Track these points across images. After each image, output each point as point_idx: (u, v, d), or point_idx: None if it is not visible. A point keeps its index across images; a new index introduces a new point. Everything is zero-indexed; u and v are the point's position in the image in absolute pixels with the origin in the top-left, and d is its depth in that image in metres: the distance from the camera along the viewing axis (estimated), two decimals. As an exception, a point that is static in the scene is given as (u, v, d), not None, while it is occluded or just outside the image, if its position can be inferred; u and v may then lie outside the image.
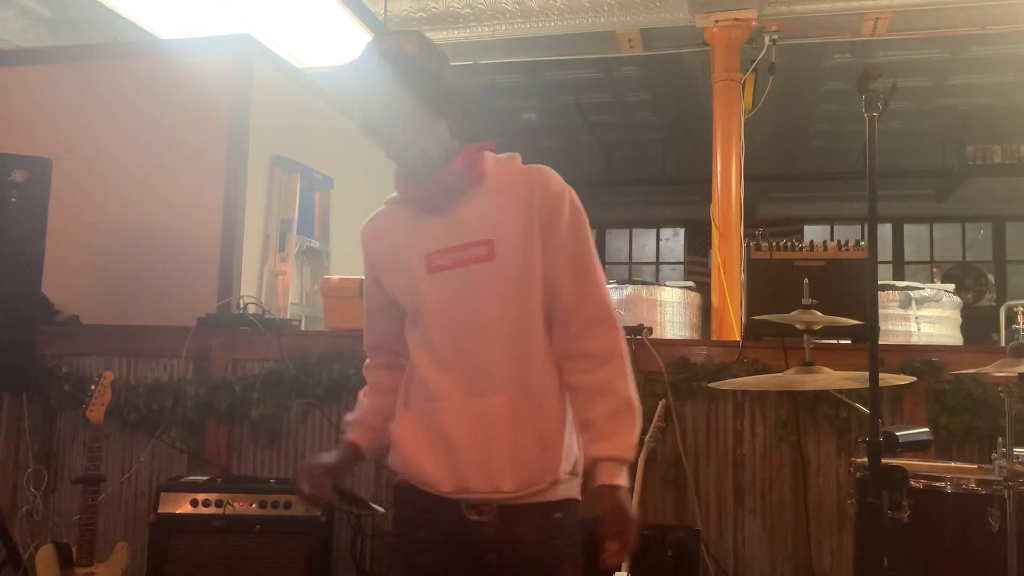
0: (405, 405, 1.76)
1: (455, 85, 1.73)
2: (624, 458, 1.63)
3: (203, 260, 3.70)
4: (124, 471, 3.38)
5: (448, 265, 1.67)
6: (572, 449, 1.68)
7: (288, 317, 3.81)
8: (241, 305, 3.45)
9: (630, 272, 11.79)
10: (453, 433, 1.66)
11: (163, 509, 2.89)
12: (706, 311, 5.53)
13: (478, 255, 1.66)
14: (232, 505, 2.88)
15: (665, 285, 5.34)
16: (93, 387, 3.01)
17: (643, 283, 5.39)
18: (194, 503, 2.90)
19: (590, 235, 1.72)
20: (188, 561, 2.86)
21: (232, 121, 3.82)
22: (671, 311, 5.13)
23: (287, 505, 2.89)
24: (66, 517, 3.36)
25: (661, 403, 2.83)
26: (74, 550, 2.90)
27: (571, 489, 1.69)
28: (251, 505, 2.89)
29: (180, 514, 2.89)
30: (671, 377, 3.01)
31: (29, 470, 3.41)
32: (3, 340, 3.03)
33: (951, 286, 5.14)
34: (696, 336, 5.34)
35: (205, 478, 3.07)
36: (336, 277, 3.44)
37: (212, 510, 2.89)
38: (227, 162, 3.78)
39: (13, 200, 3.08)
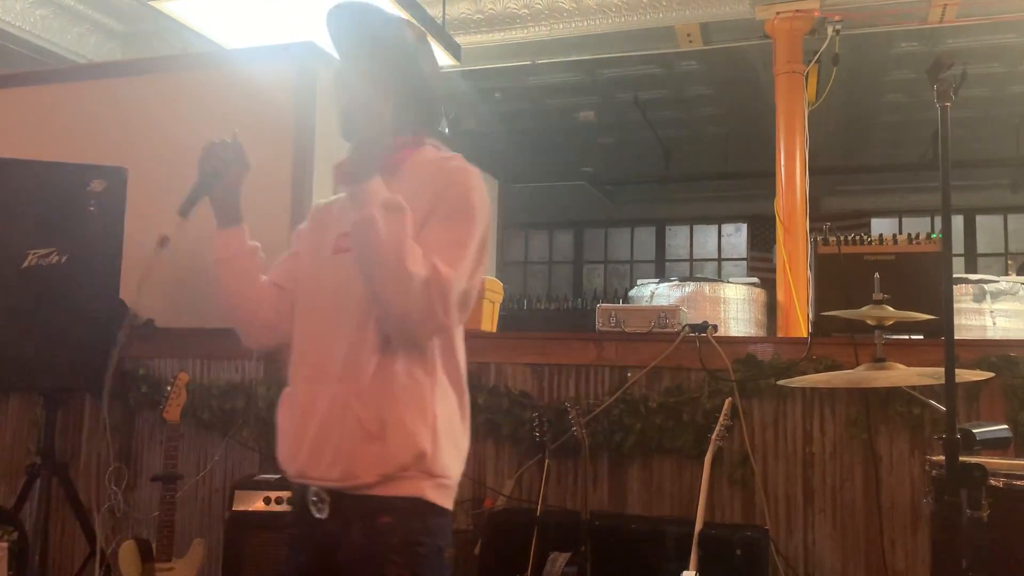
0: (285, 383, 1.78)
1: (423, 82, 1.77)
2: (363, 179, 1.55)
3: (271, 264, 3.78)
4: (199, 469, 3.48)
5: (344, 248, 1.66)
6: (415, 442, 1.59)
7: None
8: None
9: (691, 269, 11.68)
10: (300, 416, 1.67)
11: (237, 507, 2.97)
12: (771, 308, 5.44)
13: None
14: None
15: (729, 282, 5.28)
16: (169, 388, 3.11)
17: (706, 280, 5.34)
18: (267, 500, 2.97)
19: (473, 223, 1.64)
20: (262, 557, 2.92)
21: (297, 128, 3.89)
22: (735, 308, 5.07)
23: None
24: (145, 514, 3.47)
25: (727, 401, 2.80)
26: (154, 546, 3.00)
27: (412, 487, 1.60)
28: (322, 503, 2.94)
29: (254, 511, 2.96)
30: (737, 375, 2.98)
31: (110, 468, 3.54)
32: (84, 343, 3.14)
33: (1028, 278, 4.97)
34: (761, 333, 5.27)
35: (277, 476, 3.14)
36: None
37: (284, 507, 2.95)
38: (293, 168, 3.86)
39: (91, 209, 3.19)
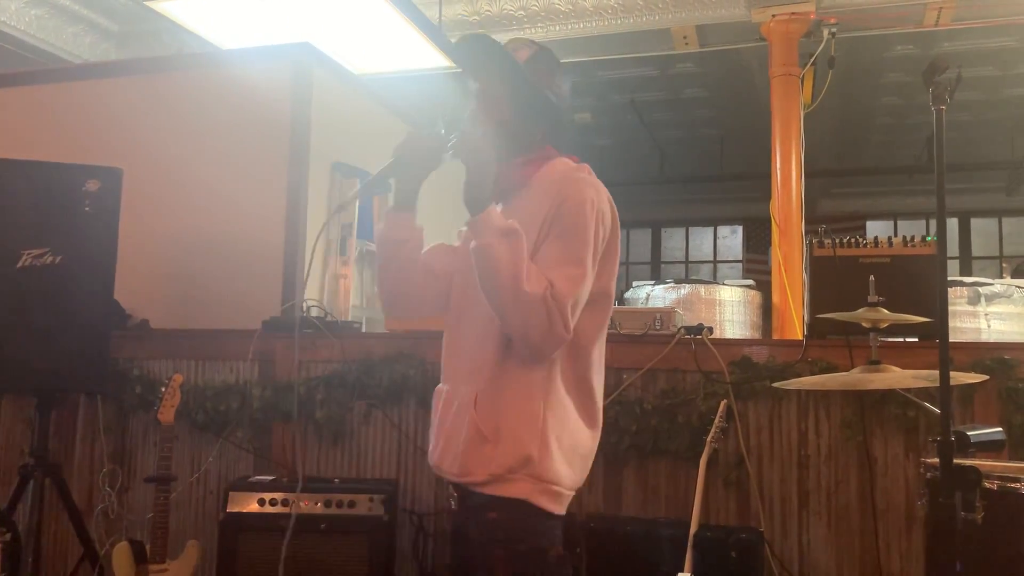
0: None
1: (551, 100, 1.86)
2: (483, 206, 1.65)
3: (267, 265, 3.78)
4: (193, 471, 3.47)
5: None
6: (523, 448, 1.68)
7: (349, 319, 3.87)
8: (304, 308, 3.52)
9: (687, 271, 11.70)
10: (442, 415, 1.83)
11: (232, 508, 2.97)
12: (766, 310, 5.45)
13: None
14: (298, 504, 2.94)
15: (724, 284, 5.28)
16: (163, 389, 3.11)
17: (702, 282, 5.35)
18: (261, 502, 2.96)
19: (587, 237, 1.70)
20: (256, 559, 2.92)
21: (293, 128, 3.89)
22: (731, 310, 5.08)
23: (351, 504, 2.94)
24: (139, 515, 3.46)
25: (723, 403, 2.80)
26: (148, 547, 2.99)
27: (517, 489, 1.68)
28: (316, 504, 2.95)
29: (248, 513, 2.96)
30: (732, 377, 2.98)
31: (104, 470, 3.53)
32: (78, 345, 3.14)
33: (1022, 281, 4.98)
34: (757, 335, 5.27)
35: (271, 478, 3.14)
36: (396, 280, 3.47)
37: (279, 509, 2.95)
38: (289, 169, 3.86)
39: (87, 209, 3.19)
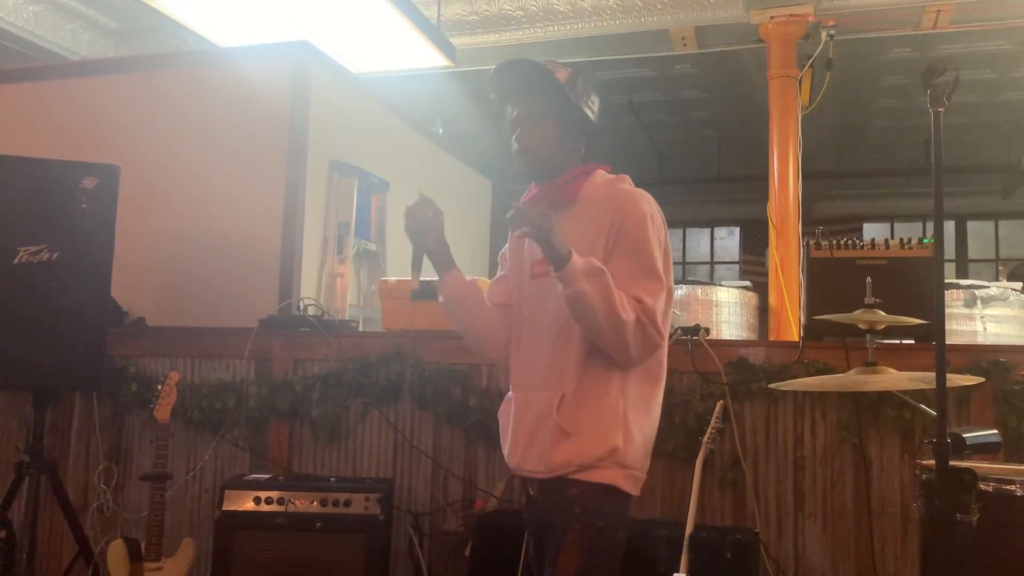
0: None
1: (590, 120, 2.01)
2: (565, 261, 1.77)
3: (264, 263, 3.78)
4: (189, 469, 3.47)
5: (540, 274, 1.97)
6: (610, 439, 1.87)
7: (346, 318, 3.87)
8: (301, 307, 3.52)
9: (684, 272, 11.69)
10: (519, 420, 1.99)
11: (227, 506, 2.96)
12: (763, 311, 5.45)
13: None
14: (294, 503, 2.94)
15: (721, 285, 5.28)
16: (159, 387, 3.10)
17: (698, 283, 5.35)
18: (257, 500, 2.96)
19: (654, 249, 1.88)
20: (251, 557, 2.92)
21: (291, 126, 3.89)
22: (727, 311, 5.08)
23: (347, 503, 2.94)
24: (135, 513, 3.46)
25: (719, 404, 2.80)
26: (143, 545, 2.99)
27: (605, 475, 1.87)
28: (312, 503, 2.94)
29: (244, 511, 2.96)
30: (729, 378, 2.99)
31: (100, 467, 3.52)
32: (74, 342, 3.13)
33: (1018, 284, 4.98)
34: (753, 337, 5.27)
35: (267, 476, 3.14)
36: (393, 279, 3.48)
37: (274, 508, 2.95)
38: (287, 167, 3.86)
39: (83, 206, 3.18)
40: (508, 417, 2.05)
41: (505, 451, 2.05)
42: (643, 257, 1.86)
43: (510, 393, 2.08)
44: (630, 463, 1.90)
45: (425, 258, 2.09)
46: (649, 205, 1.92)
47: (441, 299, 2.12)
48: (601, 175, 2.03)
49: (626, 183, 2.00)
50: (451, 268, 2.09)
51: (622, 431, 1.88)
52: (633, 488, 1.93)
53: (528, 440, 1.94)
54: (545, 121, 1.98)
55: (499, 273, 2.20)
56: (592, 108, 2.03)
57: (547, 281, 1.91)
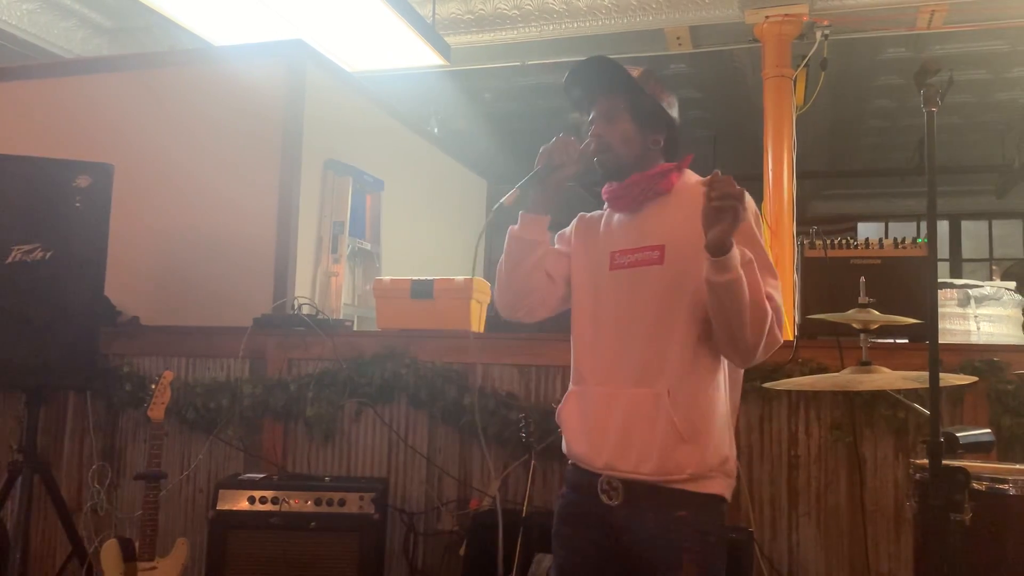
0: (572, 383, 1.99)
1: (667, 114, 2.00)
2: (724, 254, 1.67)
3: (258, 262, 3.78)
4: (183, 468, 3.46)
5: (626, 264, 1.90)
6: (721, 448, 1.81)
7: (341, 318, 3.87)
8: (296, 306, 3.51)
9: (679, 271, 11.69)
10: (605, 416, 1.86)
11: (221, 506, 2.96)
12: (757, 310, 5.45)
13: (650, 258, 1.86)
14: (288, 502, 2.94)
15: (716, 284, 5.28)
16: (153, 386, 3.09)
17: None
18: (251, 500, 2.95)
19: (759, 240, 1.83)
20: (245, 557, 2.91)
21: (286, 125, 3.88)
22: (722, 311, 5.08)
23: (341, 503, 2.94)
24: (129, 512, 3.45)
25: (713, 403, 2.80)
26: (137, 545, 2.98)
27: (715, 486, 1.81)
28: (306, 502, 2.94)
29: (238, 511, 2.95)
30: (723, 377, 2.98)
31: (93, 467, 3.52)
32: (68, 341, 3.12)
33: (1012, 284, 4.99)
34: (748, 336, 5.27)
35: (261, 476, 3.13)
36: (388, 278, 3.48)
37: (269, 507, 2.94)
38: (281, 166, 3.85)
39: (77, 205, 3.18)
40: (579, 414, 1.93)
41: (580, 450, 1.92)
42: (760, 252, 1.79)
43: (576, 387, 1.96)
44: (733, 473, 1.86)
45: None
46: (752, 203, 1.85)
47: (519, 231, 1.98)
48: (690, 175, 1.98)
49: None
50: (547, 212, 1.99)
51: (729, 438, 1.84)
52: (730, 494, 1.88)
53: (622, 438, 1.82)
54: (621, 116, 1.95)
55: (556, 249, 2.09)
56: (668, 103, 2.01)
57: (634, 272, 1.86)
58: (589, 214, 2.09)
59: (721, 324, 1.74)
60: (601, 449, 1.86)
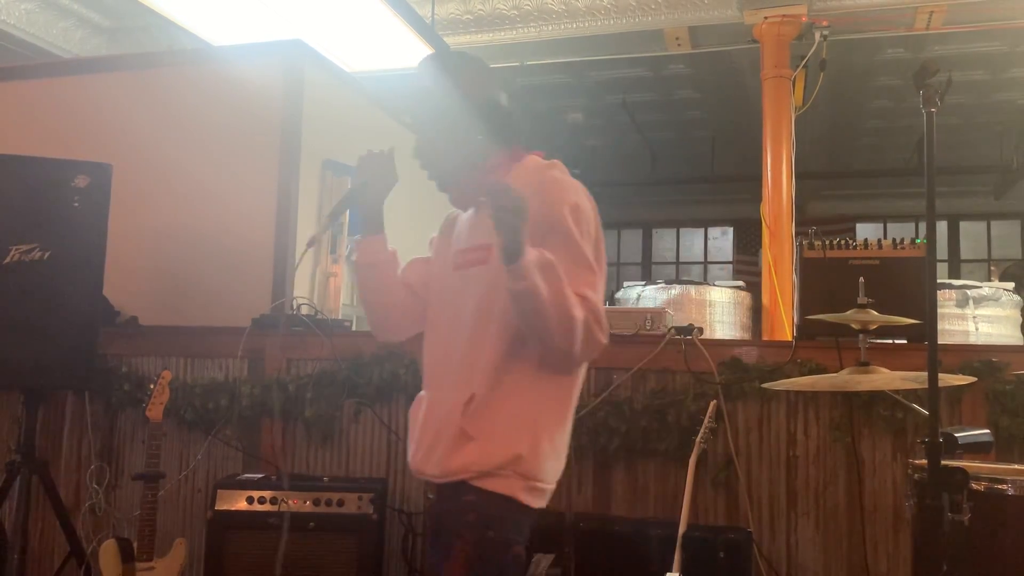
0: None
1: (488, 99, 1.85)
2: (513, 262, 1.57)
3: (257, 262, 3.77)
4: (182, 468, 3.46)
5: (462, 264, 1.82)
6: (514, 446, 1.71)
7: (340, 318, 3.86)
8: (294, 306, 3.51)
9: (677, 272, 11.71)
10: (423, 419, 1.84)
11: (220, 506, 2.95)
12: (756, 311, 5.46)
13: (477, 258, 1.78)
14: (287, 503, 2.93)
15: (715, 285, 5.29)
16: (152, 386, 3.08)
17: (692, 283, 5.36)
18: (250, 500, 2.95)
19: (575, 238, 1.70)
20: (244, 557, 2.91)
21: (284, 126, 3.88)
22: (721, 311, 5.08)
23: (340, 503, 2.93)
24: (127, 513, 3.45)
25: (712, 404, 2.81)
26: (135, 545, 2.97)
27: (503, 485, 1.70)
28: (305, 503, 2.94)
29: (236, 511, 2.95)
30: (722, 378, 2.99)
31: (92, 467, 3.51)
32: (67, 341, 3.12)
33: (1010, 285, 5.01)
34: (747, 336, 5.28)
35: (260, 476, 3.13)
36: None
37: (267, 507, 2.94)
38: (280, 166, 3.85)
39: (76, 205, 3.17)
40: (413, 419, 1.90)
41: (409, 453, 1.89)
42: (575, 248, 1.69)
43: (422, 392, 1.91)
44: (533, 474, 1.72)
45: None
46: (576, 193, 1.75)
47: (355, 258, 1.97)
48: (533, 161, 1.87)
49: (557, 169, 1.82)
50: (379, 231, 1.96)
51: (529, 438, 1.72)
52: (535, 500, 1.74)
53: (432, 442, 1.78)
54: (432, 121, 1.85)
55: (424, 257, 2.05)
56: (477, 84, 1.86)
57: (469, 273, 1.79)
58: (455, 212, 2.00)
59: (527, 330, 1.68)
60: (415, 454, 1.85)
